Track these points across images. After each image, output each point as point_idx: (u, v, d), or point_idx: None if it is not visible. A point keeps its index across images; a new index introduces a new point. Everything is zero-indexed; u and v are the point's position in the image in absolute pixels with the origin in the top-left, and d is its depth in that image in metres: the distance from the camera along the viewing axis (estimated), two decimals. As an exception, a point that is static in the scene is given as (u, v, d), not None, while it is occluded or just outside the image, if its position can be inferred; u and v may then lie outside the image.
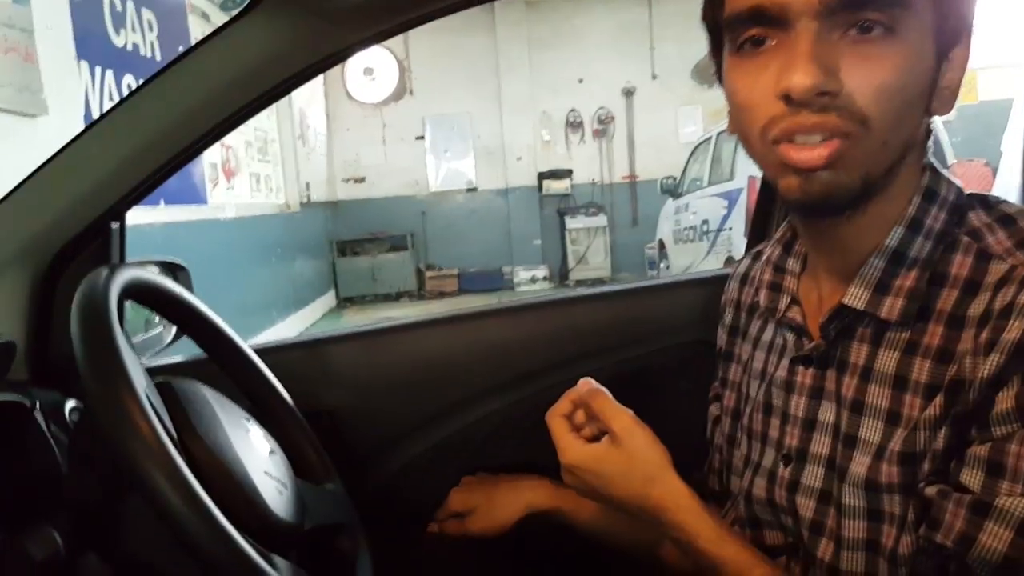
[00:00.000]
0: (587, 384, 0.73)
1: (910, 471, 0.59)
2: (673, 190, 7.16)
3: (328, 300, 8.87)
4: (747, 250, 1.01)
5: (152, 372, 0.66)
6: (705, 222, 6.19)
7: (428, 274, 9.33)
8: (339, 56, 0.88)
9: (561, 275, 9.32)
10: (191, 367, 1.01)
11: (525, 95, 9.30)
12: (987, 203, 0.64)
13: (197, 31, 5.22)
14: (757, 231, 1.28)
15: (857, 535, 0.63)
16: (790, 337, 0.72)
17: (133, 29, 4.31)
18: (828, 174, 0.57)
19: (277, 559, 0.60)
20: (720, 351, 0.87)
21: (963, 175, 0.77)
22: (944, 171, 0.65)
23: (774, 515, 0.72)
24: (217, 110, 0.87)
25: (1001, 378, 0.54)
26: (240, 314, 5.21)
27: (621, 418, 0.70)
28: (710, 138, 6.53)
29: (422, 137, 9.47)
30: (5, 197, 0.86)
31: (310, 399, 0.93)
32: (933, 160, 0.65)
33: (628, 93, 9.42)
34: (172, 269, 1.02)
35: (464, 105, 9.33)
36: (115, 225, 0.93)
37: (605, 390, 0.72)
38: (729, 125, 0.65)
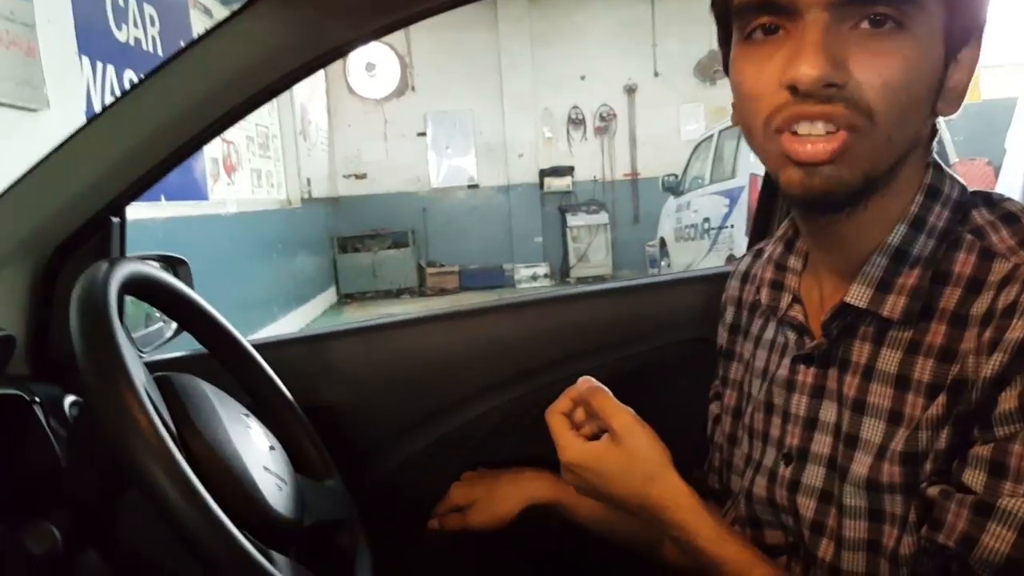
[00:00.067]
0: (587, 382, 0.73)
1: (912, 471, 0.59)
2: (675, 188, 7.15)
3: (329, 296, 8.87)
4: (748, 247, 1.01)
5: (152, 367, 0.66)
6: (706, 220, 6.18)
7: (429, 271, 9.33)
8: (340, 51, 0.88)
9: (562, 272, 9.32)
10: (191, 362, 1.01)
11: (527, 92, 9.30)
12: (991, 201, 0.63)
13: (199, 26, 5.21)
14: (759, 229, 1.28)
15: (858, 535, 0.63)
16: (791, 336, 0.71)
17: (135, 24, 4.30)
18: (830, 169, 0.56)
19: (276, 555, 0.60)
20: (721, 349, 0.86)
21: (965, 174, 0.76)
22: (947, 169, 0.64)
23: (774, 514, 0.72)
24: (218, 105, 0.87)
25: (1004, 378, 0.53)
26: (241, 310, 5.22)
27: (621, 416, 0.69)
28: (712, 136, 6.52)
29: (424, 133, 9.47)
30: (5, 191, 0.85)
31: (310, 395, 0.93)
32: (937, 158, 0.64)
33: (630, 90, 9.41)
34: (172, 264, 1.01)
35: (466, 102, 9.32)
36: (115, 220, 0.93)
37: (605, 388, 0.72)
38: (733, 116, 0.65)
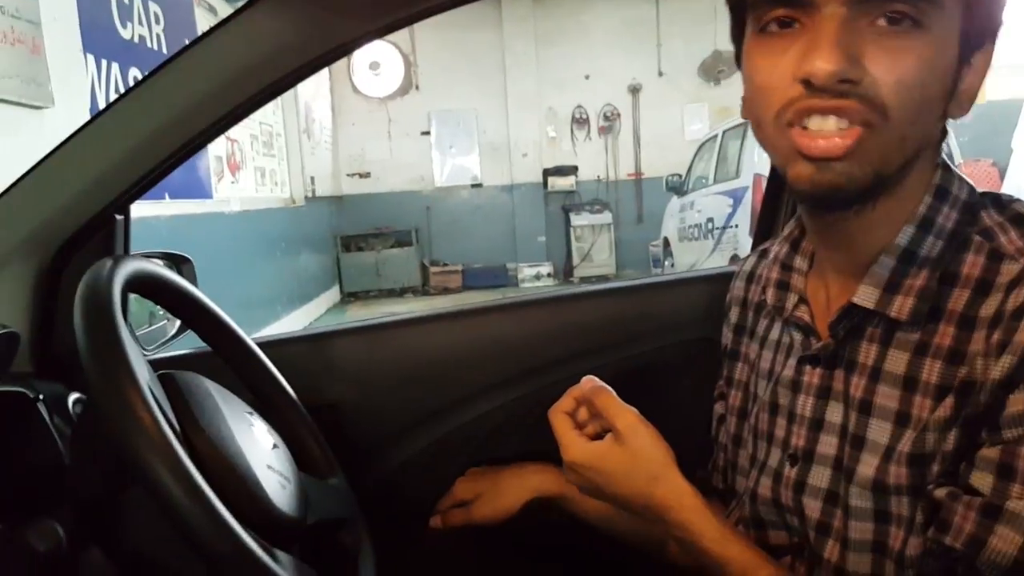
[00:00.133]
0: (590, 381, 0.73)
1: (919, 472, 0.59)
2: (678, 188, 7.15)
3: (332, 295, 8.88)
4: (753, 248, 1.01)
5: (155, 365, 0.66)
6: (710, 220, 6.18)
7: (432, 270, 9.33)
8: (344, 49, 0.88)
9: (565, 272, 9.31)
10: (194, 360, 1.01)
11: (531, 91, 9.29)
12: (1000, 202, 0.63)
13: (203, 24, 5.22)
14: (763, 229, 1.27)
15: (864, 536, 0.63)
16: (797, 336, 0.71)
17: (140, 22, 4.31)
18: (842, 165, 0.56)
19: (279, 553, 0.60)
20: (725, 349, 0.86)
21: (970, 175, 0.76)
22: (956, 170, 0.64)
23: (779, 515, 0.72)
24: (222, 103, 0.87)
25: (1013, 380, 0.53)
26: (244, 308, 5.22)
27: (625, 416, 0.69)
28: (716, 136, 6.52)
29: (427, 132, 9.47)
30: (10, 188, 0.85)
31: (312, 393, 0.93)
32: (946, 159, 0.64)
33: (634, 90, 9.40)
34: (176, 262, 1.01)
35: (470, 101, 9.32)
36: (119, 217, 0.93)
37: (608, 387, 0.72)
38: (743, 109, 0.64)
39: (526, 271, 9.30)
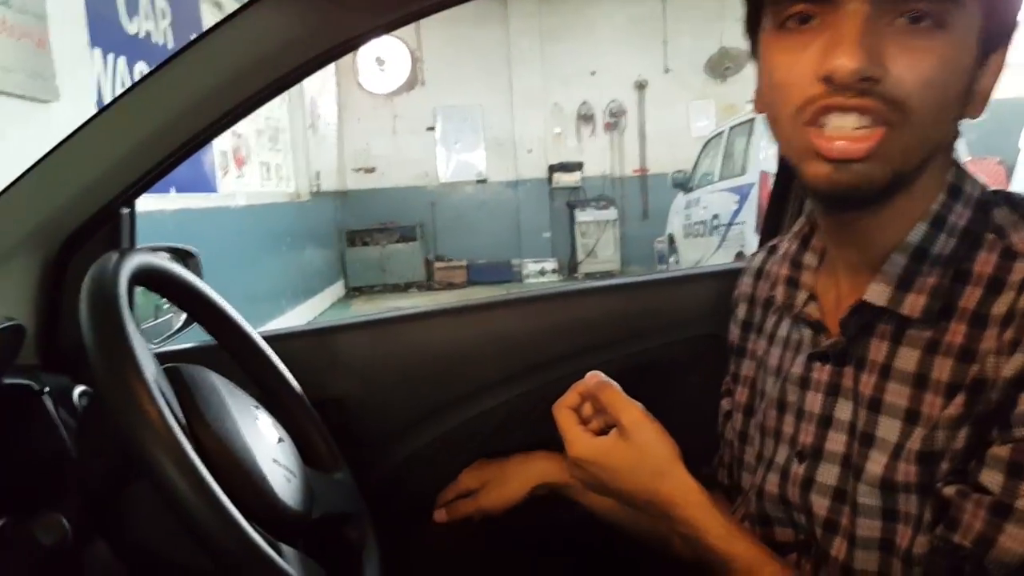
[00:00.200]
0: (595, 377, 0.73)
1: (928, 470, 0.58)
2: (684, 184, 7.13)
3: (337, 290, 8.89)
4: (760, 245, 1.00)
5: (161, 358, 0.66)
6: (716, 217, 6.16)
7: (437, 265, 9.34)
8: (350, 44, 0.88)
9: (570, 268, 9.31)
10: (200, 354, 1.01)
11: (537, 87, 9.28)
12: (1012, 200, 0.63)
13: (209, 19, 5.22)
14: (770, 226, 1.27)
15: (871, 534, 0.62)
16: (807, 333, 0.71)
17: (146, 17, 4.31)
18: (862, 166, 0.55)
19: (285, 548, 0.60)
20: (732, 346, 0.86)
21: (976, 173, 0.75)
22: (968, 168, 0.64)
23: (786, 512, 0.71)
24: (228, 97, 0.87)
25: None
26: (250, 302, 5.22)
27: (630, 411, 0.69)
28: (722, 132, 6.50)
29: (433, 128, 9.47)
30: (15, 182, 0.86)
31: (317, 388, 0.93)
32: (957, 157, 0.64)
33: (640, 86, 9.37)
34: (182, 256, 1.01)
35: (475, 97, 9.31)
36: (125, 211, 0.93)
37: (614, 383, 0.72)
38: (757, 104, 0.63)
39: (531, 267, 9.30)
